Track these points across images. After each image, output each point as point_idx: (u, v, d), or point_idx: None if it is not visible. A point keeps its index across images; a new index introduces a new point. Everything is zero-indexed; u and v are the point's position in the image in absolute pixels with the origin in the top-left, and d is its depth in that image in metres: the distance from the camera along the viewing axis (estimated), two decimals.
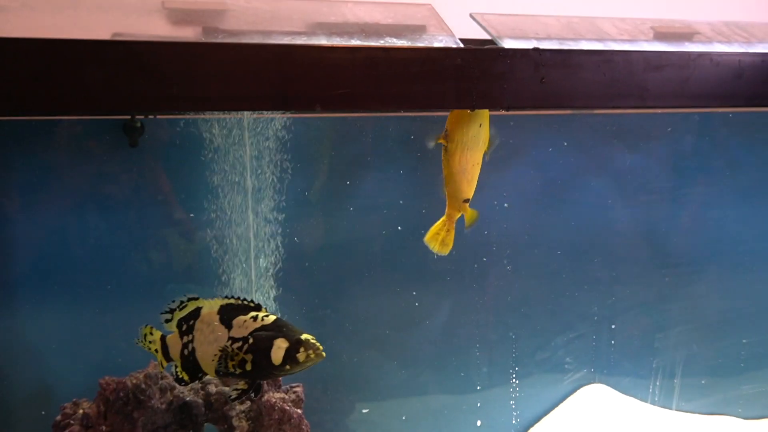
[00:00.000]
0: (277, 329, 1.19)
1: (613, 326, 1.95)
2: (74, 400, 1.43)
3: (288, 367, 1.16)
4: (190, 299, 1.27)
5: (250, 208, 1.64)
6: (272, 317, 1.22)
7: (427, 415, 1.85)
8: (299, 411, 1.44)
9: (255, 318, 1.21)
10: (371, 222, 1.72)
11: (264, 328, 1.19)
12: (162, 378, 1.42)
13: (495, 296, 1.85)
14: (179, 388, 1.43)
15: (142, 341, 1.29)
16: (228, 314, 1.23)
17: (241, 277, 1.65)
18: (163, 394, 1.41)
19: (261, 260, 1.66)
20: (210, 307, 1.25)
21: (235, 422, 1.45)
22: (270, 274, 1.66)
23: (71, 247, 1.56)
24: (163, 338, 1.28)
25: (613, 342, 1.96)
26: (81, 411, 1.39)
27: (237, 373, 1.20)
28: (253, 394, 1.29)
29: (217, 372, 1.23)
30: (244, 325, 1.21)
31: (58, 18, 1.24)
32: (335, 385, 1.75)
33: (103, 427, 1.36)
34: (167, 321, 1.27)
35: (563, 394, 1.94)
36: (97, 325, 1.58)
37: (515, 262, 1.85)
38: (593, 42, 1.36)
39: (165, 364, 1.28)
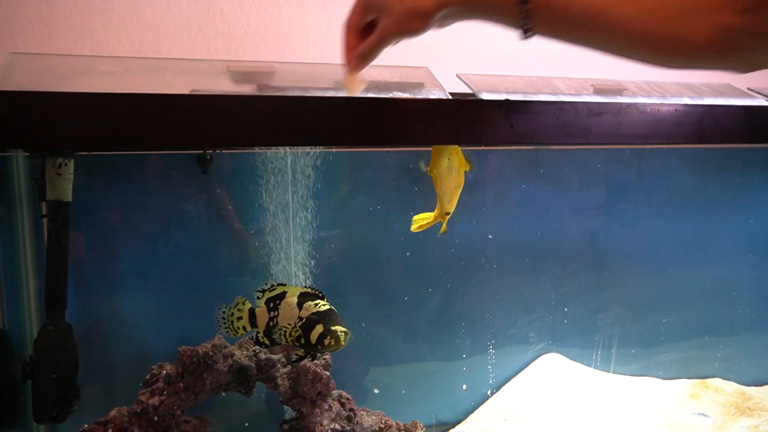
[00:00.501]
0: (323, 317, 1.17)
1: (565, 309, 1.94)
2: (160, 363, 1.42)
3: (319, 347, 1.15)
4: (279, 284, 1.26)
5: (291, 220, 1.64)
6: (327, 307, 1.20)
7: (423, 377, 1.83)
8: (327, 373, 1.43)
9: (316, 305, 1.20)
10: (385, 230, 1.72)
11: (317, 313, 1.18)
12: (224, 348, 1.41)
13: (477, 286, 1.84)
14: (238, 355, 1.43)
15: (230, 308, 1.26)
16: (302, 299, 1.22)
17: (284, 271, 1.65)
18: (225, 359, 1.40)
19: (299, 258, 1.65)
20: (293, 292, 1.24)
21: (279, 381, 1.44)
22: (306, 268, 1.66)
23: (159, 249, 1.56)
24: (251, 309, 1.27)
25: (565, 321, 1.95)
26: (164, 372, 1.38)
27: (296, 344, 1.20)
28: (310, 358, 1.29)
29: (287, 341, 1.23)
30: (307, 308, 1.20)
31: (151, 79, 1.25)
32: (354, 354, 1.74)
33: (181, 384, 1.35)
34: (258, 297, 1.26)
35: (527, 361, 1.93)
36: (177, 307, 1.58)
37: (492, 260, 1.84)
38: (549, 95, 1.37)
39: (248, 329, 1.26)
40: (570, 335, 1.96)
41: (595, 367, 1.99)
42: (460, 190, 1.30)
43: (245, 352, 1.45)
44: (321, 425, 1.38)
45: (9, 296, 1.38)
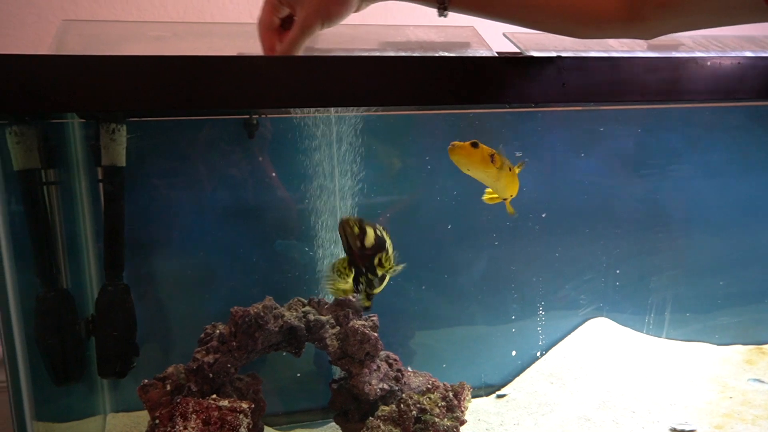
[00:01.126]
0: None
1: (617, 271, 1.91)
2: (213, 323, 1.48)
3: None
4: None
5: (336, 184, 1.65)
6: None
7: (471, 341, 1.85)
8: (375, 334, 1.47)
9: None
10: (432, 193, 1.71)
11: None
12: (274, 308, 1.46)
13: (526, 248, 1.83)
14: (287, 316, 1.47)
15: (330, 274, 1.17)
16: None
17: (329, 234, 1.67)
18: (276, 320, 1.45)
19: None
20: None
21: (328, 342, 1.48)
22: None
23: (208, 213, 1.60)
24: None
25: (617, 284, 1.92)
26: (218, 331, 1.44)
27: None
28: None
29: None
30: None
31: (198, 43, 1.27)
32: (402, 317, 1.77)
33: (234, 343, 1.40)
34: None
35: (576, 325, 1.92)
36: (230, 268, 1.63)
37: (542, 222, 1.82)
38: (601, 53, 1.32)
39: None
40: (621, 299, 1.95)
41: (647, 332, 1.96)
42: (503, 181, 1.26)
43: (294, 313, 1.49)
44: (369, 385, 1.42)
45: (71, 258, 1.45)
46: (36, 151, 1.31)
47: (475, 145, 1.18)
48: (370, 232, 1.10)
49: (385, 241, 1.12)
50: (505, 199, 1.32)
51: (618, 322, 1.94)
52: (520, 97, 1.11)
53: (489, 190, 1.34)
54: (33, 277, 1.36)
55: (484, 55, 1.20)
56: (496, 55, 1.18)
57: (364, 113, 1.63)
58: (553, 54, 1.15)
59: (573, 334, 1.90)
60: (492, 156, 1.22)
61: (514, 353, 1.87)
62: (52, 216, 1.39)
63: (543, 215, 1.80)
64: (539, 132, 1.79)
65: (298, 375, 1.75)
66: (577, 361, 1.81)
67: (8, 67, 0.90)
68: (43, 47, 1.49)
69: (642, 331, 1.96)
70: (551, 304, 1.88)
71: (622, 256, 1.91)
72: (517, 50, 1.28)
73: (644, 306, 1.97)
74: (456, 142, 1.17)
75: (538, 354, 1.89)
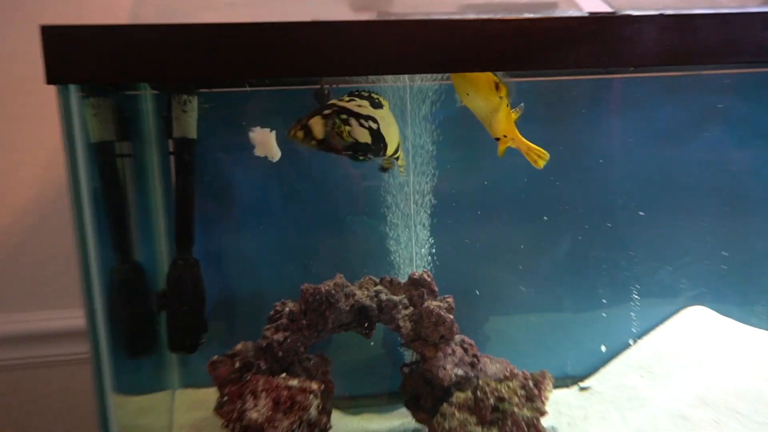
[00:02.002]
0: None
1: (724, 254, 1.81)
2: (283, 300, 1.52)
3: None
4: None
5: (409, 157, 1.65)
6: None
7: (552, 327, 1.83)
8: (451, 317, 1.47)
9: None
10: (512, 166, 1.68)
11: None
12: (345, 287, 1.48)
13: (618, 227, 1.78)
14: (359, 295, 1.49)
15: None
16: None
17: (401, 209, 1.68)
18: (347, 299, 1.47)
19: (417, 198, 1.68)
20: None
21: (400, 323, 1.49)
22: (424, 207, 1.68)
23: (279, 188, 1.65)
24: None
25: (723, 268, 1.83)
26: (287, 309, 1.48)
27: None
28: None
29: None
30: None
31: (272, 9, 1.29)
32: (475, 299, 1.75)
33: (304, 321, 1.44)
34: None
35: (671, 313, 1.85)
36: (299, 245, 1.67)
37: (641, 201, 1.77)
38: (707, 9, 1.24)
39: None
40: (726, 286, 1.85)
41: (754, 325, 1.86)
42: (502, 114, 1.23)
43: (366, 293, 1.51)
44: (444, 369, 1.43)
45: (142, 232, 1.53)
46: (111, 123, 1.38)
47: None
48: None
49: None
50: (498, 139, 1.28)
51: (720, 312, 1.85)
52: (617, 60, 1.07)
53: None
54: (108, 250, 1.44)
55: (574, 15, 1.16)
56: (588, 14, 1.14)
57: (440, 81, 1.62)
58: (653, 12, 1.10)
59: (668, 323, 1.83)
60: (497, 84, 1.19)
61: (600, 344, 1.83)
62: (125, 189, 1.47)
63: (638, 191, 1.75)
64: (639, 99, 1.72)
65: (367, 360, 1.78)
66: (671, 353, 1.74)
67: (85, 37, 0.95)
68: (119, 18, 1.56)
69: (747, 323, 1.86)
70: (646, 289, 1.82)
71: (730, 237, 1.81)
72: (610, 10, 1.23)
73: (752, 295, 1.87)
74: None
75: (631, 342, 1.83)
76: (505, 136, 1.28)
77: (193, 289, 1.53)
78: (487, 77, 1.18)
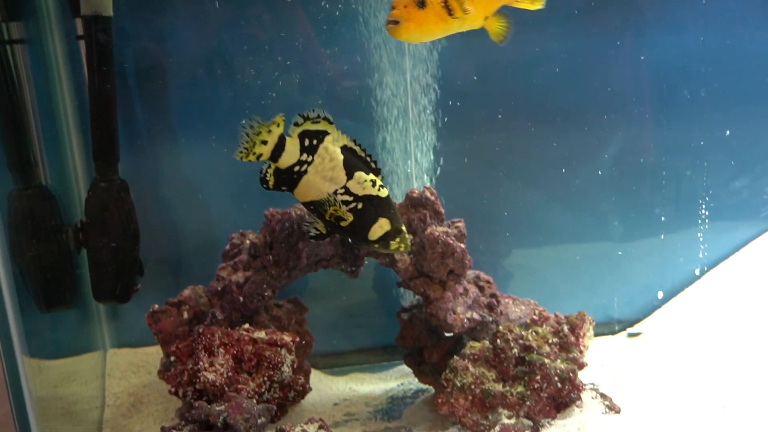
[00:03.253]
0: (386, 208, 1.23)
1: None
2: (241, 231, 1.52)
3: (377, 245, 1.21)
4: (325, 118, 1.30)
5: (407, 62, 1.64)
6: (386, 191, 1.26)
7: (593, 259, 1.84)
8: (462, 246, 1.47)
9: (374, 183, 1.25)
10: (538, 53, 1.66)
11: (377, 199, 1.24)
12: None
13: (685, 125, 1.78)
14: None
15: (262, 124, 1.28)
16: (350, 160, 1.28)
17: (402, 119, 1.67)
18: None
19: (417, 90, 1.66)
20: (337, 138, 1.29)
21: (397, 256, 1.50)
22: (426, 104, 1.66)
23: (232, 84, 1.62)
24: (282, 137, 1.29)
25: None
26: (248, 241, 1.49)
27: (327, 219, 1.26)
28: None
29: (308, 204, 1.30)
30: (362, 184, 1.25)
31: None
32: (494, 225, 1.76)
33: (270, 257, 1.45)
34: (296, 124, 1.30)
35: (750, 237, 1.86)
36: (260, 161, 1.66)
37: (711, 94, 1.77)
38: None
39: (266, 157, 1.30)
40: None
41: None
42: (471, 18, 1.22)
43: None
44: (454, 313, 1.44)
45: (48, 145, 1.50)
46: None
47: (421, 4, 1.17)
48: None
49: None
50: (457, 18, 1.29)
51: None
52: None
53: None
54: (3, 170, 1.42)
55: None
56: None
57: None
58: None
59: (744, 249, 1.86)
60: (446, 5, 1.19)
61: (656, 278, 1.85)
62: (20, 87, 1.43)
63: (706, 76, 1.73)
64: None
65: (353, 306, 1.81)
66: (747, 288, 1.78)
67: None
68: None
69: None
70: (718, 205, 1.83)
71: None
72: None
73: None
74: (395, 13, 1.17)
75: (697, 274, 1.86)
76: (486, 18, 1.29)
77: (122, 219, 1.51)
78: (434, 12, 1.20)
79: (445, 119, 1.68)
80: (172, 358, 1.41)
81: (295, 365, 1.41)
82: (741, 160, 1.82)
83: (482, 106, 1.70)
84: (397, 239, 1.21)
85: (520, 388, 1.37)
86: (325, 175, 1.28)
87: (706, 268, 1.86)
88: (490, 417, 1.34)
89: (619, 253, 1.83)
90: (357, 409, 1.59)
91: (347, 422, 1.53)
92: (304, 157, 1.29)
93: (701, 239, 1.84)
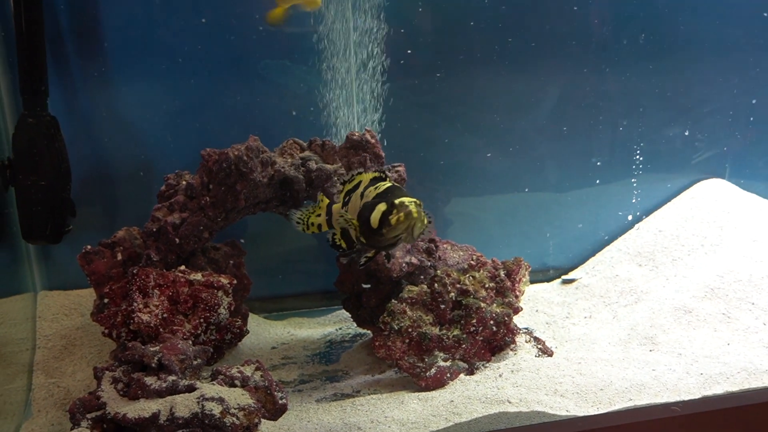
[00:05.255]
0: (384, 195, 1.21)
1: (753, 101, 1.86)
2: (177, 171, 1.50)
3: (384, 230, 1.18)
4: (358, 173, 1.31)
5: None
6: (387, 185, 1.24)
7: (529, 206, 1.89)
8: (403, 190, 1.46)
9: (376, 188, 1.24)
10: None
11: (377, 195, 1.22)
12: (262, 152, 1.46)
13: (621, 69, 1.81)
14: (280, 163, 1.48)
15: (311, 209, 1.37)
16: (368, 186, 1.28)
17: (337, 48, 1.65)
18: (265, 168, 1.47)
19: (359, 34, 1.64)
20: (365, 179, 1.29)
21: (335, 199, 1.49)
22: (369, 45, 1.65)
23: (168, 15, 1.57)
24: (329, 205, 1.35)
25: (751, 119, 1.88)
26: (184, 182, 1.46)
27: (361, 241, 1.25)
28: (386, 259, 1.42)
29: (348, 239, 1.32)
30: (368, 195, 1.25)
31: None
32: (433, 170, 1.78)
33: (207, 198, 1.44)
34: (338, 192, 1.35)
35: (682, 186, 1.92)
36: (199, 98, 1.63)
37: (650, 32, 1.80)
38: None
39: (324, 228, 1.36)
40: (753, 146, 1.93)
41: None
42: None
43: (290, 160, 1.50)
44: (392, 258, 1.46)
45: None
46: None
47: None
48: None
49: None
50: None
51: (742, 186, 1.94)
52: None
53: None
54: None
55: None
56: None
57: None
58: None
59: (677, 199, 1.91)
60: None
61: (591, 225, 1.90)
62: None
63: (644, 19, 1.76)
64: None
65: (293, 252, 1.80)
66: (678, 236, 1.83)
67: None
68: None
69: None
70: (652, 151, 1.87)
71: (763, 78, 1.86)
72: None
73: None
74: None
75: (630, 218, 1.91)
76: None
77: (51, 157, 1.48)
78: None
79: (388, 64, 1.67)
80: (106, 300, 1.39)
81: (232, 308, 1.41)
82: (675, 107, 1.86)
83: (424, 53, 1.70)
84: (394, 212, 1.18)
85: (456, 332, 1.40)
86: (354, 208, 1.28)
87: (639, 215, 1.92)
88: (426, 359, 1.37)
89: (555, 200, 1.88)
90: (295, 353, 1.61)
91: (285, 365, 1.55)
92: (344, 209, 1.31)
93: (634, 186, 1.89)
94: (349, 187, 1.31)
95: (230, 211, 1.46)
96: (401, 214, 1.15)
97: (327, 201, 1.36)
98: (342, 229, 1.32)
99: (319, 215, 1.35)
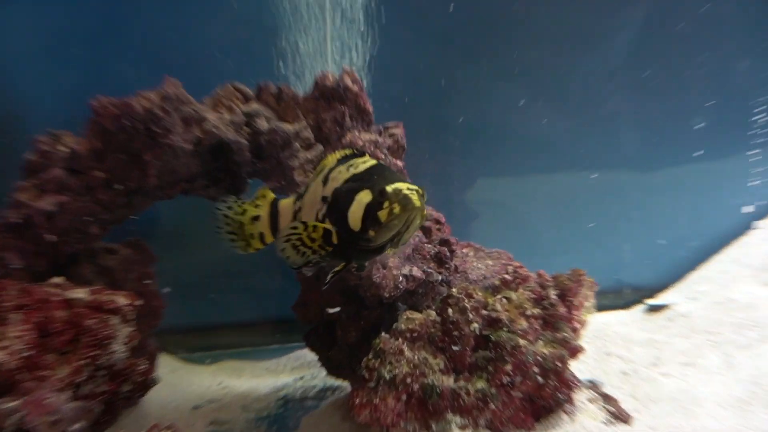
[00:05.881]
0: (365, 179, 1.20)
1: None
2: (52, 131, 1.48)
3: (371, 233, 1.17)
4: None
5: None
6: (369, 163, 1.23)
7: (594, 199, 1.87)
8: (400, 164, 1.48)
9: (349, 167, 1.23)
10: None
11: (352, 178, 1.21)
12: (186, 104, 1.44)
13: None
14: (212, 120, 1.46)
15: (241, 204, 1.37)
16: (333, 170, 1.28)
17: None
18: (189, 127, 1.44)
19: None
20: (330, 159, 1.29)
21: (296, 177, 1.49)
22: None
23: None
24: (274, 201, 1.35)
25: None
26: (63, 149, 1.44)
27: (321, 254, 1.24)
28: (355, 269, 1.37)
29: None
30: (334, 179, 1.23)
31: None
32: (452, 136, 1.78)
33: (99, 172, 1.41)
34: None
35: None
36: (87, 22, 1.63)
37: None
38: None
39: (268, 240, 1.38)
40: None
41: None
42: None
43: (228, 116, 1.48)
44: (383, 268, 1.45)
45: None
46: None
47: None
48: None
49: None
50: None
51: None
52: None
53: None
54: None
55: None
56: None
57: None
58: None
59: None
60: None
61: (678, 221, 1.90)
62: None
63: None
64: None
65: (232, 253, 1.80)
66: None
67: None
68: None
69: None
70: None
71: None
72: None
73: None
74: None
75: (744, 213, 1.90)
76: None
77: None
78: None
79: None
80: None
81: (134, 343, 1.39)
82: None
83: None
84: (385, 204, 1.17)
85: (480, 384, 1.38)
86: (311, 200, 1.30)
87: (763, 205, 1.91)
88: (433, 427, 1.36)
89: (636, 183, 1.86)
90: (230, 416, 1.59)
91: None
92: (298, 204, 1.35)
93: (755, 162, 1.89)
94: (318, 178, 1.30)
95: (134, 194, 1.44)
96: (395, 206, 1.13)
97: (271, 196, 1.34)
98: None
99: (258, 218, 1.35)
